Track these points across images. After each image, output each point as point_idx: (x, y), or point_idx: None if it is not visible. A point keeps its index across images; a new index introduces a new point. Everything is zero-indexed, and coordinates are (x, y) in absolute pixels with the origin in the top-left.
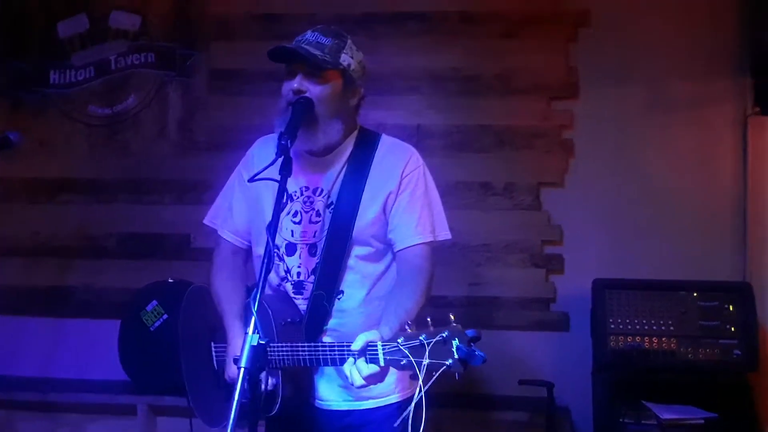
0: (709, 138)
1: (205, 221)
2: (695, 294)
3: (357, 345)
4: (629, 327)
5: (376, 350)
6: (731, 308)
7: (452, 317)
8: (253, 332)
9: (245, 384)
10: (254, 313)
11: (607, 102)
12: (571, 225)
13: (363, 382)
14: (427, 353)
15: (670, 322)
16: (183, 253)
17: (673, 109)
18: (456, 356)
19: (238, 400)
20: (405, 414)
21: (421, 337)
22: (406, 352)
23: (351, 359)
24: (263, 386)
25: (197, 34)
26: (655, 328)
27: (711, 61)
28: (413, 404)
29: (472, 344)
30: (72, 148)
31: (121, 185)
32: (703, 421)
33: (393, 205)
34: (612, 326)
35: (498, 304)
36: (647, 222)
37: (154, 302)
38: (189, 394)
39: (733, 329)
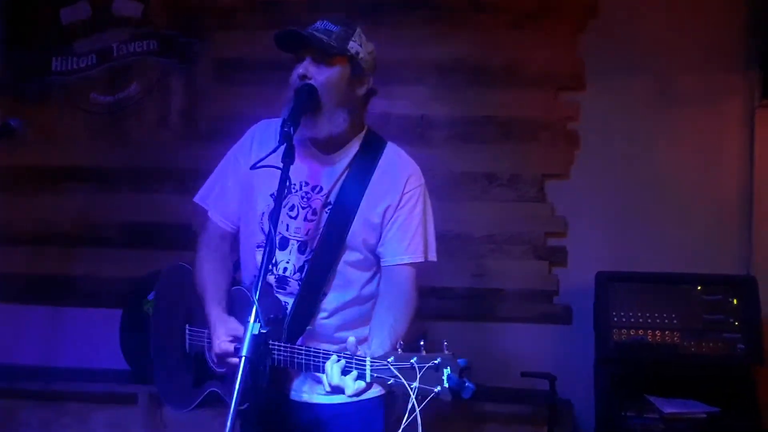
0: (716, 130)
1: (196, 199)
2: (699, 287)
3: (351, 341)
4: (632, 320)
5: (364, 366)
6: (735, 302)
7: (445, 344)
8: (255, 321)
9: (241, 373)
10: (255, 301)
11: (613, 94)
12: (576, 217)
13: (338, 382)
14: (418, 378)
15: (673, 316)
16: (185, 242)
17: (680, 101)
18: (446, 385)
19: (239, 390)
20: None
21: (412, 360)
22: (396, 372)
23: (334, 356)
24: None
25: (200, 22)
26: (658, 321)
27: (718, 53)
28: (401, 429)
29: (463, 375)
30: (74, 136)
31: (122, 174)
32: (705, 416)
33: (390, 219)
34: (615, 319)
35: (501, 295)
36: (652, 215)
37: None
38: (156, 374)
39: (737, 323)
